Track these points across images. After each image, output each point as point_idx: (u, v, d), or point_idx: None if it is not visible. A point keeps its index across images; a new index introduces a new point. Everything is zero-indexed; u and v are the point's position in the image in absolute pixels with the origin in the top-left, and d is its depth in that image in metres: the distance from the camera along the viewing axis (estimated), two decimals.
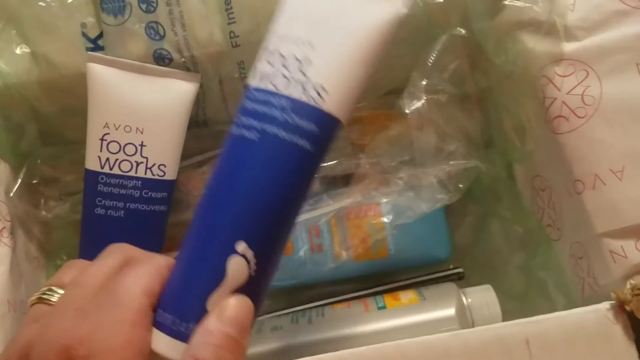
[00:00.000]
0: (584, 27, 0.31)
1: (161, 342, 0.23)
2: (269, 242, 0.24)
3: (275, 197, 0.24)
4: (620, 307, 0.27)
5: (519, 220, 0.40)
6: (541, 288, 0.37)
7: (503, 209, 0.41)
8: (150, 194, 0.36)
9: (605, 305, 0.28)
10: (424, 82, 0.36)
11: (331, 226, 0.41)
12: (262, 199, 0.24)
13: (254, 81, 0.26)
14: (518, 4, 0.33)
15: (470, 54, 0.37)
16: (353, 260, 0.41)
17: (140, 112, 0.35)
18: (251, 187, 0.24)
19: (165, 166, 0.35)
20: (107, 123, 0.34)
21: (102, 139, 0.34)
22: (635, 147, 0.29)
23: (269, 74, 0.26)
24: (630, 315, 0.27)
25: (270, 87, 0.25)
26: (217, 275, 0.23)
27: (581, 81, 0.31)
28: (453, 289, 0.39)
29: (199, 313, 0.23)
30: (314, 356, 0.27)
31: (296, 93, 0.25)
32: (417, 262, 0.42)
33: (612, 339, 0.26)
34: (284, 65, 0.26)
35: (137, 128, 0.35)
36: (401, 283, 0.41)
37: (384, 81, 0.40)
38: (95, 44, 0.36)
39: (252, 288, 0.24)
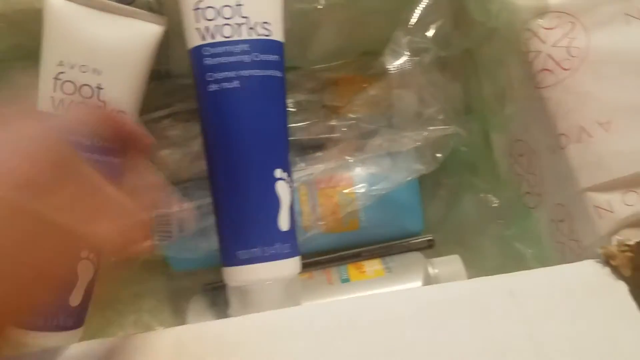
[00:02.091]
0: None
1: (264, 269, 0.29)
2: (287, 157, 0.30)
3: (278, 122, 0.30)
4: (606, 263, 0.26)
5: (495, 191, 0.38)
6: (518, 260, 0.35)
7: (478, 181, 0.39)
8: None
9: (590, 262, 0.26)
10: (406, 39, 0.35)
11: (301, 196, 0.38)
12: (273, 129, 0.29)
13: (201, 40, 0.29)
14: None
15: (452, 14, 0.36)
16: (323, 232, 0.38)
17: (99, 52, 0.32)
18: (260, 124, 0.29)
19: (123, 113, 0.33)
20: (62, 61, 0.31)
21: (56, 78, 0.32)
22: (623, 98, 0.28)
23: (214, 27, 0.29)
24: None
25: (223, 38, 0.29)
26: (274, 203, 0.29)
27: (567, 33, 0.30)
28: (420, 260, 0.37)
29: (277, 233, 0.29)
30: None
31: (249, 34, 0.29)
32: (389, 236, 0.40)
33: (604, 289, 0.24)
34: (222, 16, 0.29)
35: (94, 69, 0.32)
36: (369, 248, 0.39)
37: (359, 39, 0.38)
38: None
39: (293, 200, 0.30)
